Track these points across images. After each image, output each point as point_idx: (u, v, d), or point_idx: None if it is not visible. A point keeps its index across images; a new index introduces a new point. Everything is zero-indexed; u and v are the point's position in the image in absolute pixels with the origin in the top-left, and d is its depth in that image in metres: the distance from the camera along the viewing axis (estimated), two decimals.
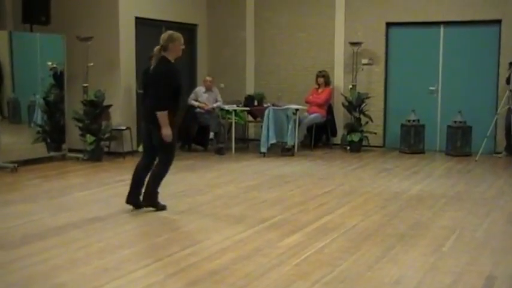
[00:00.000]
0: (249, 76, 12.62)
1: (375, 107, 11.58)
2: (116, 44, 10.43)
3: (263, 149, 10.57)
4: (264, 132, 10.56)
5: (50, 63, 10.15)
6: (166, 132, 6.26)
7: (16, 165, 8.98)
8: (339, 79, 11.90)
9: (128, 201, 6.59)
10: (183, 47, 6.44)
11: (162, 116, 6.23)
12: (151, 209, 6.63)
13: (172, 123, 6.32)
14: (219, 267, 4.78)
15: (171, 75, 6.32)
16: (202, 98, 11.24)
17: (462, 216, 6.50)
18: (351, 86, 11.55)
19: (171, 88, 6.28)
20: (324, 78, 11.58)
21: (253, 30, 12.50)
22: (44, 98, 10.08)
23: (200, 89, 11.40)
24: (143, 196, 6.58)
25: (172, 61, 6.38)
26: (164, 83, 6.26)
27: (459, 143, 10.80)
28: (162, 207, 6.57)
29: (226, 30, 12.66)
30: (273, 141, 10.53)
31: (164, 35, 6.41)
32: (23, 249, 5.23)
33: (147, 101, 6.46)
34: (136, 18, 10.75)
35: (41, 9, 9.76)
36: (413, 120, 11.11)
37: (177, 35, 6.44)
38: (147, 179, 6.57)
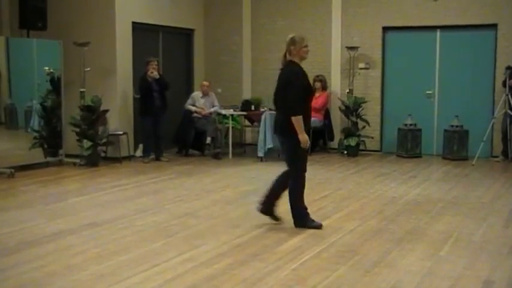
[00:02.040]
0: (245, 81, 12.63)
1: (371, 112, 11.59)
2: (113, 49, 10.43)
3: (260, 154, 10.57)
4: (261, 136, 10.57)
5: (46, 68, 10.16)
6: (303, 138, 5.88)
7: (13, 170, 8.96)
8: (335, 84, 11.91)
9: (260, 210, 6.28)
10: (306, 48, 6.05)
11: (297, 120, 5.86)
12: (149, 214, 6.63)
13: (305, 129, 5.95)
14: (216, 272, 4.77)
15: (297, 76, 5.97)
16: (199, 102, 11.24)
17: (459, 221, 6.49)
18: (347, 91, 11.56)
19: (299, 90, 5.94)
20: (321, 83, 11.60)
21: (250, 35, 12.52)
22: (41, 104, 10.06)
23: (197, 94, 11.39)
24: (293, 220, 6.16)
25: (300, 64, 6.06)
26: (292, 85, 5.93)
27: (456, 147, 10.80)
28: (317, 226, 6.09)
29: (222, 35, 12.67)
30: (270, 145, 10.52)
31: (287, 39, 6.06)
32: (18, 255, 5.22)
33: (277, 112, 6.22)
34: (133, 23, 10.76)
35: (37, 15, 9.76)
36: (410, 125, 11.12)
37: (299, 37, 6.07)
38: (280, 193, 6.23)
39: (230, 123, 11.11)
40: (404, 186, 8.38)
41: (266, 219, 6.41)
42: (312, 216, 6.19)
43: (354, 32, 11.72)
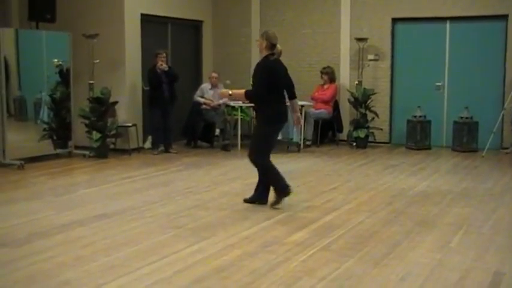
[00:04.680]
0: None
1: (380, 103, 11.55)
2: (122, 41, 10.43)
3: None
4: None
5: (55, 60, 10.15)
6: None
7: (23, 162, 9.00)
8: (344, 75, 11.86)
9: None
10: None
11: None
12: (158, 206, 6.66)
13: None
14: (225, 263, 4.77)
15: None
16: (208, 94, 11.23)
17: (469, 213, 6.47)
18: (356, 82, 11.51)
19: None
20: (328, 75, 11.54)
21: (259, 27, 12.47)
22: (50, 95, 10.08)
23: (206, 86, 11.38)
24: None
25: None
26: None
27: (465, 138, 10.76)
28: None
29: (231, 27, 12.64)
30: (278, 137, 10.48)
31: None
32: (28, 246, 5.24)
33: (283, 100, 7.01)
34: (142, 15, 10.75)
35: (46, 6, 9.76)
36: (420, 116, 11.07)
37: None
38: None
39: (239, 115, 11.11)
40: (413, 178, 8.35)
41: (275, 210, 6.42)
42: (321, 208, 6.19)
43: (363, 24, 11.67)
